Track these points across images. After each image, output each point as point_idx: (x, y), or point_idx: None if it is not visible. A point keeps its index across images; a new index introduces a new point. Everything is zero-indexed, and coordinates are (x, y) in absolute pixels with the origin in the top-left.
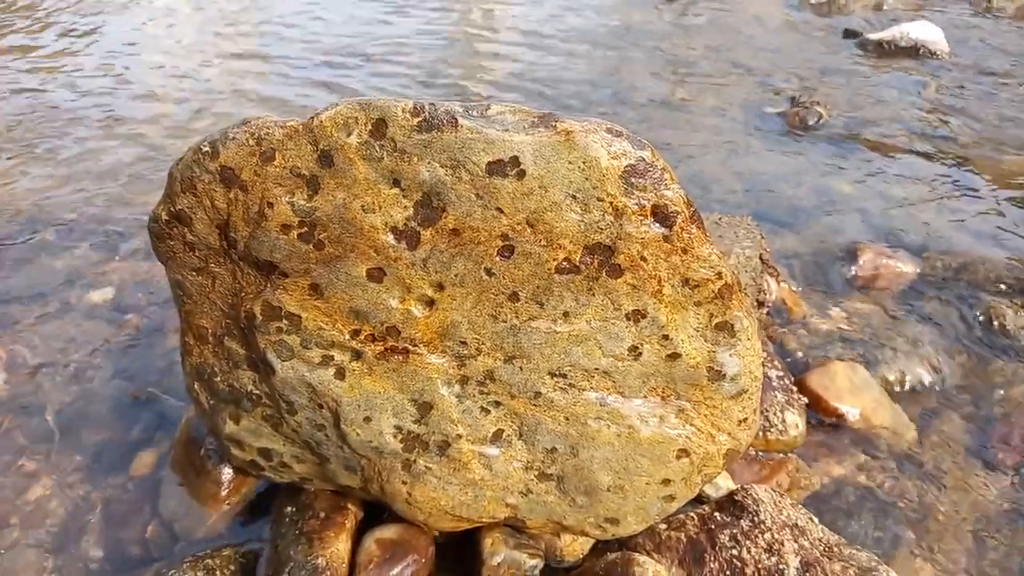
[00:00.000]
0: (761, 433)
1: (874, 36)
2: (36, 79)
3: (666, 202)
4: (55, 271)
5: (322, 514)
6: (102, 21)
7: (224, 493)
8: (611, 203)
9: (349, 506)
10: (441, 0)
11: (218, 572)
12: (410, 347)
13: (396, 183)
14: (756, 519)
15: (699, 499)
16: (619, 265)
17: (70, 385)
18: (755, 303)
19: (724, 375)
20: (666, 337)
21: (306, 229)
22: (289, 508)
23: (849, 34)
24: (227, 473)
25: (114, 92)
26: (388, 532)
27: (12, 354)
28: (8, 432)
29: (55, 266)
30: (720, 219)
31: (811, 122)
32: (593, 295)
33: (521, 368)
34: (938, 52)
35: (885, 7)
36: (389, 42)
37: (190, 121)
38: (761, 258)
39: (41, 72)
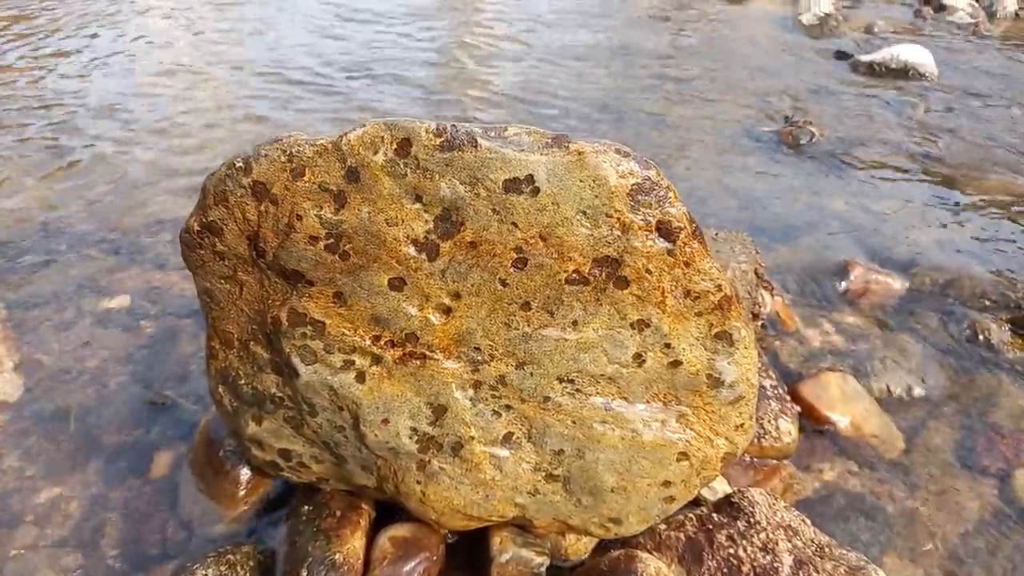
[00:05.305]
0: (756, 440)
1: (865, 58)
2: (48, 90)
3: (670, 218)
4: (70, 279)
5: (338, 513)
6: (116, 32)
7: (242, 493)
8: (619, 219)
9: (363, 505)
10: (441, 20)
11: (239, 567)
12: (427, 353)
13: (418, 198)
14: (752, 520)
15: (696, 502)
16: (625, 277)
17: (87, 390)
18: (750, 316)
19: (723, 382)
20: (668, 345)
21: (332, 241)
22: (306, 507)
23: (841, 56)
24: (245, 473)
25: (126, 103)
26: (401, 530)
27: (30, 359)
28: (26, 435)
29: (70, 274)
30: (717, 235)
31: (804, 141)
32: (600, 305)
33: (531, 374)
34: (927, 74)
35: (876, 30)
36: (390, 59)
37: (200, 133)
38: (756, 272)
39: (53, 83)
